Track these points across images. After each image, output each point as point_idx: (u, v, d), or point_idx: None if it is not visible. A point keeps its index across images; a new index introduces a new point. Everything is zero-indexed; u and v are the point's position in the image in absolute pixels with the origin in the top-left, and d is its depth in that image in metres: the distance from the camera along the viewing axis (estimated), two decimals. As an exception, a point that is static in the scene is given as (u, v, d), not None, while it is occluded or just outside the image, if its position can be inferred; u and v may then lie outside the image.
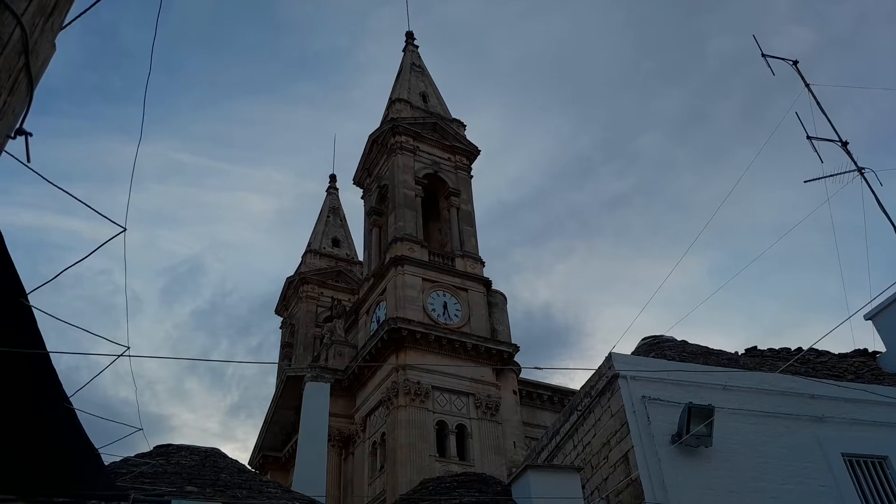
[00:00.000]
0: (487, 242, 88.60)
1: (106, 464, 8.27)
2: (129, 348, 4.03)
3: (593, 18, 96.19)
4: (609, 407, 10.19)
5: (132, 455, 8.60)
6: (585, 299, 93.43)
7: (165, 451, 9.32)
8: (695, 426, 9.34)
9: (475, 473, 10.67)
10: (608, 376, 10.21)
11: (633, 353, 13.00)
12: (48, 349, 4.56)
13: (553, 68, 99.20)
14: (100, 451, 5.80)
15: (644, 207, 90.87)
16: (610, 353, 10.37)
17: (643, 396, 9.82)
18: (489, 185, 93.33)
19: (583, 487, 10.57)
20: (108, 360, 4.21)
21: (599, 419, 10.47)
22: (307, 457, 11.58)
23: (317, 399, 12.03)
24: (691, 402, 9.37)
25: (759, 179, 79.17)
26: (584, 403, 11.03)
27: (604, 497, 10.02)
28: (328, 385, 12.48)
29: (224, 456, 9.77)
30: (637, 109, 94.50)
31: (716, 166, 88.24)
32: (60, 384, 4.81)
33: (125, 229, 3.62)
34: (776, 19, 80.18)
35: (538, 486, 9.05)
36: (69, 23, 3.32)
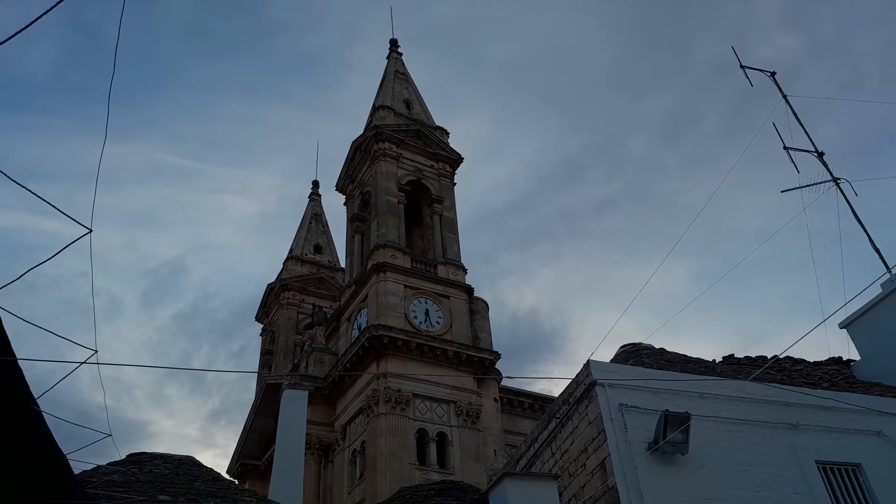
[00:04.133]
0: (474, 247, 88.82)
1: (77, 472, 8.14)
2: (96, 352, 3.97)
3: (582, 21, 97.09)
4: (587, 414, 10.21)
5: (105, 463, 8.48)
6: (572, 304, 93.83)
7: (138, 460, 9.20)
8: (671, 433, 9.38)
9: (453, 481, 10.64)
10: (586, 384, 10.23)
11: (611, 361, 13.06)
12: (15, 352, 4.48)
13: (542, 70, 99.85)
14: (69, 458, 5.71)
15: (632, 211, 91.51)
16: (588, 361, 10.40)
17: (620, 404, 9.85)
18: (477, 189, 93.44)
19: (560, 495, 10.58)
20: (79, 361, 4.14)
21: (577, 427, 10.49)
22: (284, 465, 11.47)
23: (294, 407, 11.94)
24: (667, 410, 9.41)
25: (745, 185, 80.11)
26: (562, 411, 11.04)
27: (581, 505, 10.02)
28: (306, 393, 12.39)
29: (199, 464, 9.67)
30: (626, 112, 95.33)
31: (704, 170, 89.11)
32: (27, 386, 4.71)
33: (90, 230, 3.57)
34: (764, 26, 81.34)
35: (515, 493, 9.04)
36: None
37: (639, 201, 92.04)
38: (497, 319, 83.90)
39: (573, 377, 10.93)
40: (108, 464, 9.10)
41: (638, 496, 9.06)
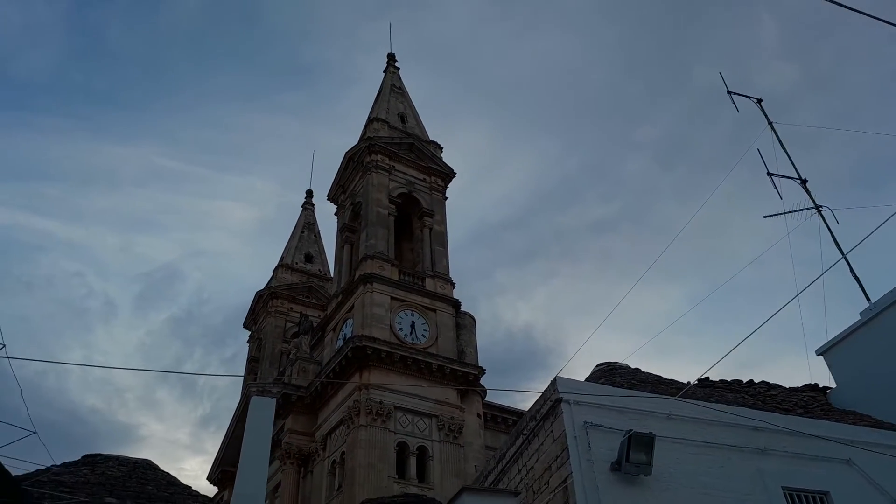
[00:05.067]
0: (470, 262, 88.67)
1: (27, 472, 8.01)
2: (3, 346, 3.89)
3: (582, 40, 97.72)
4: (552, 431, 10.11)
5: (58, 463, 8.36)
6: (567, 323, 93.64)
7: (92, 461, 9.07)
8: (635, 454, 9.28)
9: (416, 495, 10.52)
10: (552, 400, 10.14)
11: (586, 379, 12.97)
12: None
13: (540, 89, 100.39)
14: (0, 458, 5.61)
15: (628, 233, 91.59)
16: (555, 378, 10.31)
17: (585, 422, 9.75)
18: (474, 205, 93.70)
19: (524, 513, 10.46)
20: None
21: (542, 443, 10.38)
22: (247, 473, 11.30)
23: (261, 414, 11.79)
24: (632, 430, 9.31)
25: (740, 211, 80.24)
26: (529, 427, 10.94)
27: (543, 523, 9.89)
28: (273, 400, 12.25)
29: (155, 468, 9.54)
30: (623, 134, 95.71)
31: (701, 195, 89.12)
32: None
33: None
34: (763, 53, 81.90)
35: (473, 509, 8.92)
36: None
37: (636, 223, 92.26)
38: (492, 335, 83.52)
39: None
40: (62, 464, 8.97)
41: (598, 516, 8.95)
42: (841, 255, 14.83)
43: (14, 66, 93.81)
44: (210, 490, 34.59)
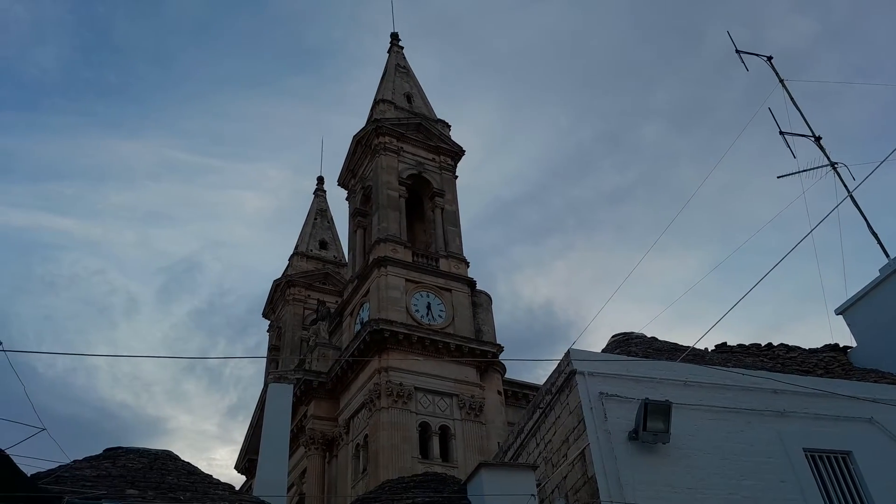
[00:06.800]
0: (486, 239, 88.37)
1: (47, 469, 8.12)
2: (0, 343, 3.91)
3: (590, 7, 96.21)
4: (567, 404, 10.06)
5: (69, 460, 8.47)
6: (587, 295, 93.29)
7: (114, 455, 9.20)
8: (652, 422, 9.21)
9: (434, 473, 10.55)
10: (566, 373, 10.08)
11: (602, 350, 12.89)
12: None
13: (550, 59, 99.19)
14: (15, 454, 5.67)
15: (646, 201, 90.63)
16: (569, 350, 10.25)
17: (601, 393, 9.68)
18: (488, 181, 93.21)
19: (544, 486, 10.46)
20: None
21: (559, 416, 10.34)
22: (268, 459, 11.44)
23: (279, 400, 11.89)
24: (647, 398, 9.24)
25: (759, 173, 79.20)
26: (545, 401, 10.90)
27: (563, 495, 9.90)
28: (291, 386, 12.35)
29: (176, 458, 9.65)
30: (637, 100, 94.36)
31: (718, 157, 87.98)
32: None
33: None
34: (777, 9, 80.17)
35: (491, 484, 8.92)
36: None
37: (652, 191, 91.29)
38: (513, 312, 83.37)
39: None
40: (84, 459, 9.10)
41: (617, 486, 8.91)
42: (858, 212, 14.56)
43: (24, 66, 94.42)
44: (239, 479, 35.13)
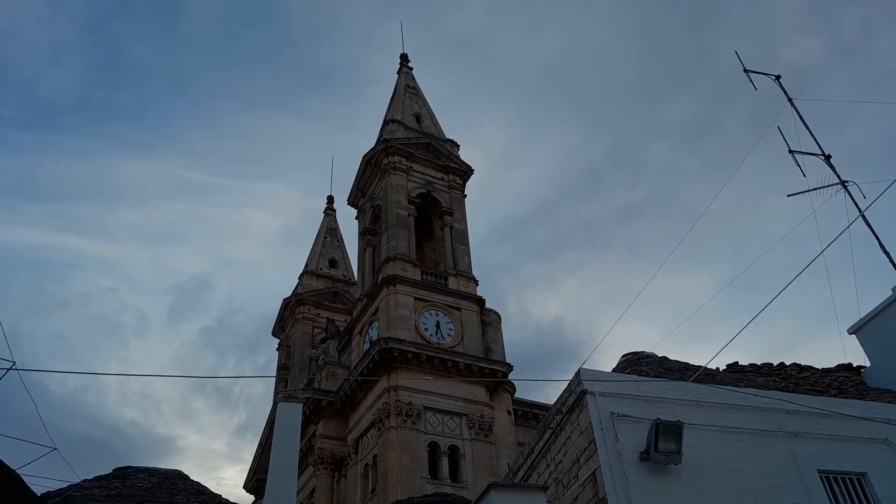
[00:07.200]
0: (495, 258, 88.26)
1: (57, 489, 8.13)
2: (14, 363, 3.95)
3: (599, 26, 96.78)
4: (578, 424, 9.99)
5: (79, 479, 8.48)
6: (597, 314, 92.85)
7: (123, 474, 9.20)
8: (663, 443, 9.12)
9: (444, 494, 10.48)
10: (577, 392, 10.02)
11: (613, 370, 12.82)
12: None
13: (559, 77, 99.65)
14: (33, 474, 5.68)
15: (655, 218, 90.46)
16: (579, 369, 10.19)
17: (612, 413, 9.61)
18: (498, 199, 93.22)
19: (554, 507, 10.36)
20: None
21: (570, 437, 10.27)
22: (277, 479, 11.35)
23: (288, 420, 11.83)
24: (659, 419, 9.17)
25: (772, 191, 78.91)
26: (555, 421, 10.83)
27: (574, 517, 9.79)
28: (300, 406, 12.31)
29: (185, 478, 9.63)
30: (646, 118, 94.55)
31: (728, 175, 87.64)
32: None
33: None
34: (785, 28, 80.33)
35: (502, 505, 8.83)
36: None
37: (663, 208, 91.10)
38: (522, 331, 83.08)
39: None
40: (94, 478, 9.10)
41: (629, 507, 8.82)
42: (870, 230, 14.47)
43: (40, 87, 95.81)
44: (248, 499, 34.95)
